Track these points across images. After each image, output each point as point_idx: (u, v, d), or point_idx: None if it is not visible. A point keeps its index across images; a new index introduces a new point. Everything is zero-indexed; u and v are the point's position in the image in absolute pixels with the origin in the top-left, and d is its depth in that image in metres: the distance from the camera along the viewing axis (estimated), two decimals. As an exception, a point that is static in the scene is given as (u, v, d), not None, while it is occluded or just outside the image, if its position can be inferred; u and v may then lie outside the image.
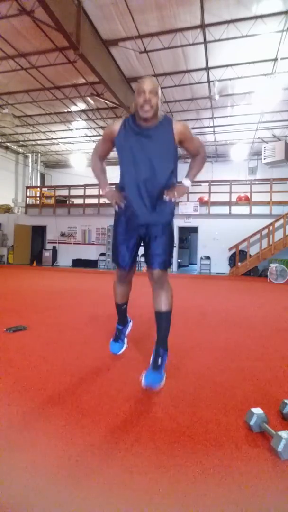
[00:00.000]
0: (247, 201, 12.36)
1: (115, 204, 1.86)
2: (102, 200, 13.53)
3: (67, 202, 14.91)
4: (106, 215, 13.42)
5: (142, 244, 1.96)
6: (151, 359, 1.82)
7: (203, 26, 7.30)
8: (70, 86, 10.31)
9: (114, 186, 1.96)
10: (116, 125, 1.83)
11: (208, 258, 12.42)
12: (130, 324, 2.31)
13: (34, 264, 14.04)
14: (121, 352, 2.14)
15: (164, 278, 1.86)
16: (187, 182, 1.92)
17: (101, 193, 13.48)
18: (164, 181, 1.81)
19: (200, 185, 13.66)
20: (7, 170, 16.87)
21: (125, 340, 2.20)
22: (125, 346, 2.18)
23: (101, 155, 2.00)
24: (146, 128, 1.77)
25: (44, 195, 15.63)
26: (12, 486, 1.02)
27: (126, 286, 2.08)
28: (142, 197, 1.81)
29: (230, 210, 12.25)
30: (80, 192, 14.23)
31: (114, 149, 1.95)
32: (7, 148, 16.60)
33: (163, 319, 1.87)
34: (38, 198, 15.57)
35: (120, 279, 2.03)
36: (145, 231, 1.89)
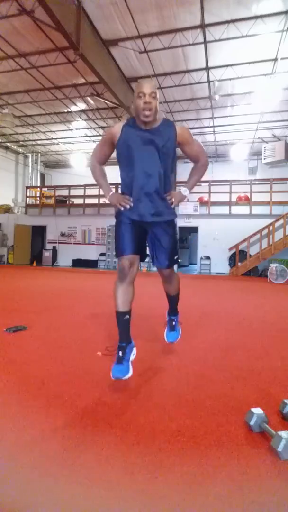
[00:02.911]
0: (247, 201, 12.36)
1: (121, 206, 1.85)
2: (102, 200, 13.53)
3: (67, 202, 14.91)
4: (106, 215, 13.41)
5: (147, 244, 1.97)
6: (167, 324, 2.33)
7: (203, 26, 7.29)
8: (70, 86, 10.31)
9: (114, 189, 1.97)
10: (117, 127, 1.83)
11: (208, 258, 12.41)
12: (134, 349, 1.86)
13: (34, 264, 14.04)
14: (126, 377, 1.67)
15: (172, 273, 2.07)
16: (185, 192, 1.95)
17: (101, 193, 13.55)
18: (165, 180, 1.84)
19: (200, 185, 13.65)
20: (7, 170, 16.86)
21: (130, 366, 1.74)
22: (131, 371, 1.71)
23: (101, 159, 1.97)
24: (147, 129, 1.79)
25: (44, 195, 15.62)
26: (12, 486, 1.03)
27: (128, 287, 1.79)
28: (144, 196, 1.82)
29: (230, 210, 12.24)
30: (80, 192, 14.23)
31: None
32: (7, 148, 16.59)
33: (172, 298, 2.26)
34: (38, 198, 15.56)
35: (121, 275, 1.78)
36: (149, 230, 1.92)
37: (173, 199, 1.87)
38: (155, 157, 1.78)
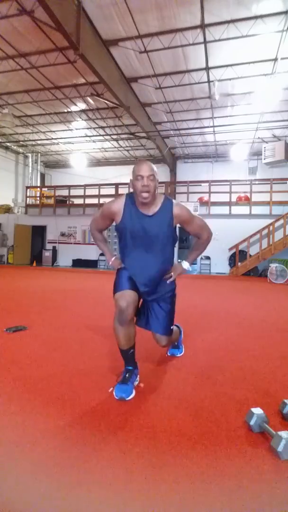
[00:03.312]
0: (247, 201, 12.36)
1: (116, 267, 1.89)
2: (102, 200, 13.53)
3: (67, 202, 14.91)
4: (106, 215, 13.40)
5: (144, 309, 1.96)
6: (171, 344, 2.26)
7: (203, 26, 7.29)
8: (70, 86, 10.31)
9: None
10: (117, 206, 1.82)
11: (208, 258, 12.41)
12: (138, 376, 1.84)
13: (34, 264, 14.04)
14: (130, 398, 1.64)
15: (167, 341, 2.00)
16: (185, 265, 1.95)
17: (101, 193, 13.57)
18: (164, 265, 1.86)
19: (200, 185, 13.66)
20: (7, 170, 16.85)
21: (134, 388, 1.72)
22: (133, 393, 1.68)
23: (101, 228, 2.01)
24: (147, 215, 1.79)
25: (44, 195, 15.62)
26: (12, 486, 1.03)
27: (128, 328, 1.71)
28: (142, 279, 1.82)
29: (230, 210, 12.24)
30: (80, 192, 14.22)
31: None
32: (7, 148, 16.59)
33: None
34: (38, 198, 15.56)
35: (121, 318, 1.67)
36: (147, 299, 1.91)
37: (172, 274, 1.90)
38: (154, 246, 1.80)
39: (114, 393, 1.66)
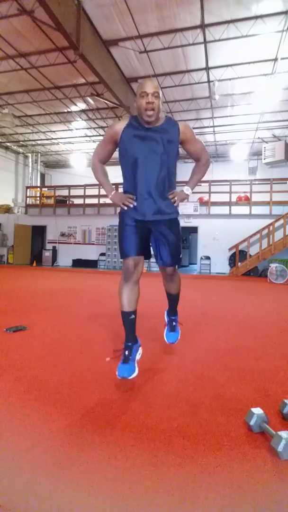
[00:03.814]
0: (247, 201, 12.36)
1: (123, 205, 1.84)
2: (102, 200, 13.53)
3: (67, 202, 14.91)
4: (106, 215, 13.42)
5: (150, 244, 1.97)
6: (166, 324, 2.32)
7: (203, 26, 7.30)
8: (70, 86, 10.32)
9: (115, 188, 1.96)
10: (120, 125, 1.82)
11: (208, 258, 12.41)
12: (140, 348, 1.87)
13: (34, 264, 14.04)
14: (132, 377, 1.66)
15: (175, 272, 2.06)
16: (187, 190, 1.95)
17: (101, 193, 13.56)
18: (168, 178, 1.84)
19: (200, 185, 13.64)
20: (7, 170, 16.86)
21: (136, 365, 1.74)
22: (136, 371, 1.71)
23: (103, 158, 1.95)
24: (150, 128, 1.79)
25: (44, 195, 15.62)
26: (12, 486, 1.02)
27: (133, 288, 1.79)
28: (147, 196, 1.81)
29: (230, 210, 12.24)
30: (80, 192, 14.23)
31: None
32: (7, 148, 16.60)
33: (174, 298, 2.24)
34: (38, 198, 15.56)
35: (126, 275, 1.77)
36: (153, 229, 1.91)
37: (176, 198, 1.87)
38: (158, 156, 1.78)
39: (116, 374, 1.66)
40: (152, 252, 2.00)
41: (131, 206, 1.82)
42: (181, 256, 2.02)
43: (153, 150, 1.77)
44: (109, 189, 1.91)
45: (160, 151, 1.78)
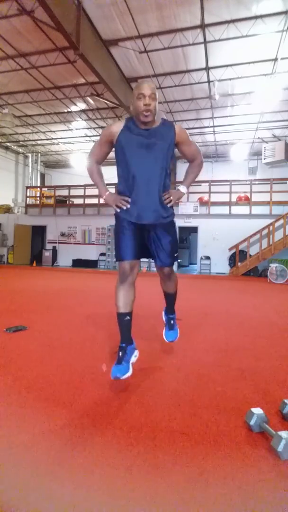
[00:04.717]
0: (247, 201, 12.36)
1: (116, 207, 1.84)
2: (102, 200, 13.49)
3: (67, 202, 14.91)
4: (106, 215, 13.41)
5: (147, 244, 1.97)
6: (165, 323, 2.31)
7: (203, 26, 7.29)
8: (70, 86, 10.31)
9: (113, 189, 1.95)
10: (116, 126, 1.83)
11: (208, 258, 12.41)
12: (136, 351, 1.88)
13: (34, 264, 14.03)
14: (125, 377, 1.67)
15: (172, 271, 2.08)
16: (183, 189, 1.96)
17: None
18: (164, 181, 1.84)
19: (200, 185, 13.64)
20: (7, 170, 16.86)
21: (131, 366, 1.75)
22: (130, 371, 1.72)
23: (99, 158, 1.94)
24: (147, 129, 1.80)
25: (44, 195, 15.62)
26: (11, 486, 1.02)
27: (129, 289, 1.81)
28: (143, 197, 1.82)
29: (230, 210, 12.24)
30: (80, 192, 14.22)
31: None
32: (7, 148, 16.59)
33: (171, 297, 2.25)
34: (38, 198, 15.56)
35: (122, 278, 1.80)
36: (149, 231, 1.91)
37: (171, 197, 1.87)
38: (154, 158, 1.79)
39: (110, 375, 1.68)
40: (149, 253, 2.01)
41: (124, 208, 1.82)
42: (177, 255, 2.04)
43: (148, 152, 1.78)
44: (103, 190, 1.91)
45: (156, 154, 1.79)
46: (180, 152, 1.95)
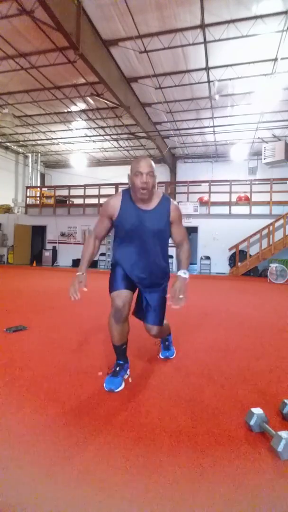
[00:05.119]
0: (247, 201, 12.36)
1: (70, 295, 1.72)
2: (102, 200, 13.53)
3: (67, 202, 14.91)
4: (106, 215, 13.40)
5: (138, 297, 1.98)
6: (161, 344, 2.30)
7: (203, 26, 7.29)
8: (70, 86, 10.31)
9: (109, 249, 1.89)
10: (115, 203, 1.80)
11: (208, 258, 12.41)
12: (128, 370, 1.94)
13: (34, 264, 14.03)
14: (118, 390, 1.73)
15: (159, 331, 1.98)
16: (185, 274, 1.84)
17: (101, 193, 13.57)
18: (162, 257, 1.87)
19: (200, 185, 13.65)
20: (7, 170, 16.86)
21: (123, 381, 1.82)
22: (123, 385, 1.78)
23: (99, 235, 1.91)
24: (145, 210, 1.78)
25: (44, 195, 15.62)
26: (11, 486, 1.02)
27: (123, 325, 1.80)
28: (139, 272, 1.83)
29: (230, 210, 12.24)
30: (80, 192, 14.22)
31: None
32: (7, 148, 16.59)
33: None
34: (38, 198, 15.56)
35: (116, 316, 1.76)
36: (143, 291, 1.93)
37: (177, 292, 1.74)
38: (152, 240, 1.81)
39: (104, 385, 1.74)
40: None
41: (73, 299, 1.72)
42: (164, 317, 1.98)
43: (147, 234, 1.79)
44: (83, 268, 1.81)
45: (154, 236, 1.80)
46: (170, 230, 1.89)
